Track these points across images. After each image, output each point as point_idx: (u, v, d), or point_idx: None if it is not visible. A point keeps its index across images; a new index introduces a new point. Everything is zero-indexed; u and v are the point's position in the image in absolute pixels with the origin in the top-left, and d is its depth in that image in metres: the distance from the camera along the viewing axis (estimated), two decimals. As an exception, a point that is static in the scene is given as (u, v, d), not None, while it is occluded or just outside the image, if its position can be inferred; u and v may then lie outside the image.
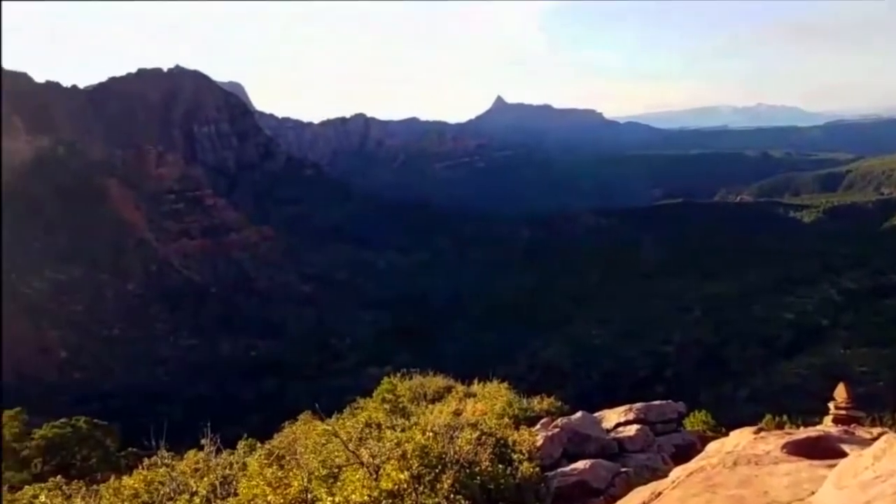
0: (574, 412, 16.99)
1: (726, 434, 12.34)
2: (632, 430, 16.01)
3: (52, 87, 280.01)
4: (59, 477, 15.14)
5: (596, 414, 17.09)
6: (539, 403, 18.07)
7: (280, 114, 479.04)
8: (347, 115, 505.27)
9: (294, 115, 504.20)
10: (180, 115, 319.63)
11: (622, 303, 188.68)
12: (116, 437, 29.56)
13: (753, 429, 11.23)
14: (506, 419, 15.47)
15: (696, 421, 22.16)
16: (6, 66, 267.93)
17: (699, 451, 11.91)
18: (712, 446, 10.94)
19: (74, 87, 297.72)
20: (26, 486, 14.07)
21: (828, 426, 15.63)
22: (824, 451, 9.30)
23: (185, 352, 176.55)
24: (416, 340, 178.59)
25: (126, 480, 10.92)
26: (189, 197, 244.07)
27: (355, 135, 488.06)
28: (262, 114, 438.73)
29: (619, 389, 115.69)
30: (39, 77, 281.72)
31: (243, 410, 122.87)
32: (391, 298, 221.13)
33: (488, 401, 17.54)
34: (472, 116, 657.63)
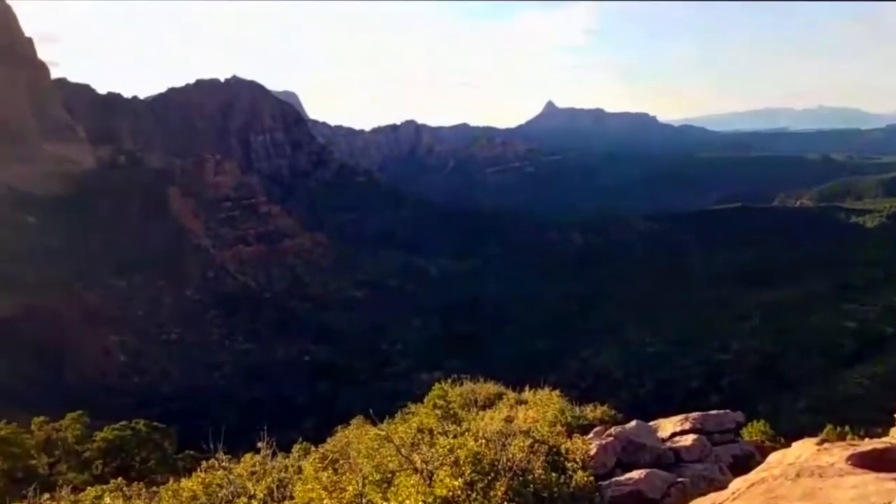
0: (627, 421, 16.67)
1: (786, 445, 11.92)
2: (688, 439, 15.61)
3: (114, 98, 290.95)
4: (119, 479, 15.61)
5: (650, 423, 16.73)
6: (592, 411, 17.80)
7: (333, 122, 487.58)
8: (398, 122, 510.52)
9: (346, 123, 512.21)
10: (237, 124, 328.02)
11: (676, 309, 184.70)
12: (174, 439, 30.26)
13: (816, 440, 10.81)
14: (558, 427, 15.27)
15: (753, 431, 21.49)
16: (71, 78, 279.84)
17: (758, 463, 11.53)
18: (773, 457, 10.58)
19: (135, 97, 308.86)
20: (89, 488, 14.56)
21: (894, 438, 14.98)
22: (891, 463, 8.91)
23: (240, 356, 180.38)
24: (466, 346, 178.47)
25: (184, 483, 11.19)
26: (245, 204, 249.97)
27: (406, 141, 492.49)
28: (315, 122, 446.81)
29: (673, 398, 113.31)
30: (102, 89, 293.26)
31: (297, 414, 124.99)
32: (442, 304, 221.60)
33: (540, 408, 17.37)
34: (523, 122, 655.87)
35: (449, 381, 20.75)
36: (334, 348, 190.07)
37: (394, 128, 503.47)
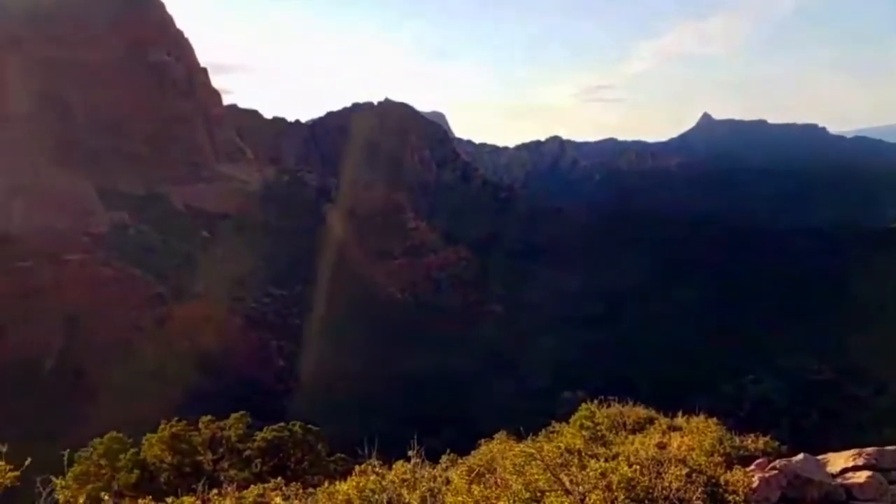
0: (793, 454, 15.33)
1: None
2: (861, 476, 14.10)
3: (279, 122, 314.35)
4: (279, 479, 16.51)
5: (819, 457, 15.30)
6: (753, 442, 16.54)
7: (478, 139, 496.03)
8: (542, 139, 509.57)
9: (491, 140, 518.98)
10: (387, 144, 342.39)
11: (850, 334, 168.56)
12: (326, 442, 31.50)
13: None
14: (716, 457, 14.31)
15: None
16: (241, 104, 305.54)
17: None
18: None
19: (298, 121, 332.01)
20: (252, 486, 15.54)
21: None
22: None
23: (383, 364, 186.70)
24: (609, 364, 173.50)
25: (340, 486, 11.59)
26: (393, 220, 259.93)
27: (550, 157, 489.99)
28: (460, 140, 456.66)
29: (843, 431, 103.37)
30: (268, 113, 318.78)
31: (436, 423, 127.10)
32: (585, 320, 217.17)
33: (695, 435, 16.37)
34: (675, 135, 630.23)
35: (595, 401, 20.14)
36: (475, 362, 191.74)
37: (538, 144, 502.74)
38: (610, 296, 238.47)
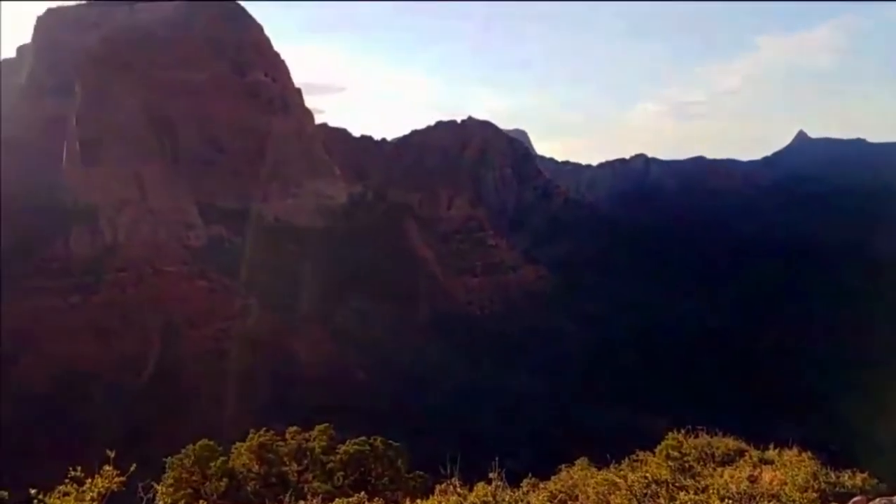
0: (894, 493, 14.40)
1: None
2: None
3: (366, 140, 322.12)
4: (362, 493, 16.81)
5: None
6: (850, 478, 15.62)
7: (560, 157, 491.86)
8: (627, 157, 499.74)
9: (574, 158, 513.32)
10: (469, 161, 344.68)
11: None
12: (406, 458, 31.68)
13: None
14: (810, 493, 13.63)
15: None
16: (331, 123, 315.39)
17: None
18: None
19: (384, 139, 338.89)
20: (336, 500, 15.88)
21: None
22: None
23: (462, 382, 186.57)
24: (692, 390, 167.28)
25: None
26: (474, 237, 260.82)
27: (635, 175, 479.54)
28: (542, 158, 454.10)
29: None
30: (356, 132, 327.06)
31: (514, 444, 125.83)
32: (668, 344, 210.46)
33: (788, 470, 15.62)
34: (768, 153, 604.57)
35: (681, 430, 19.50)
36: (551, 381, 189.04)
37: (622, 161, 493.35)
38: (695, 319, 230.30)
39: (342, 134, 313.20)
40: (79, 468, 11.08)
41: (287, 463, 27.65)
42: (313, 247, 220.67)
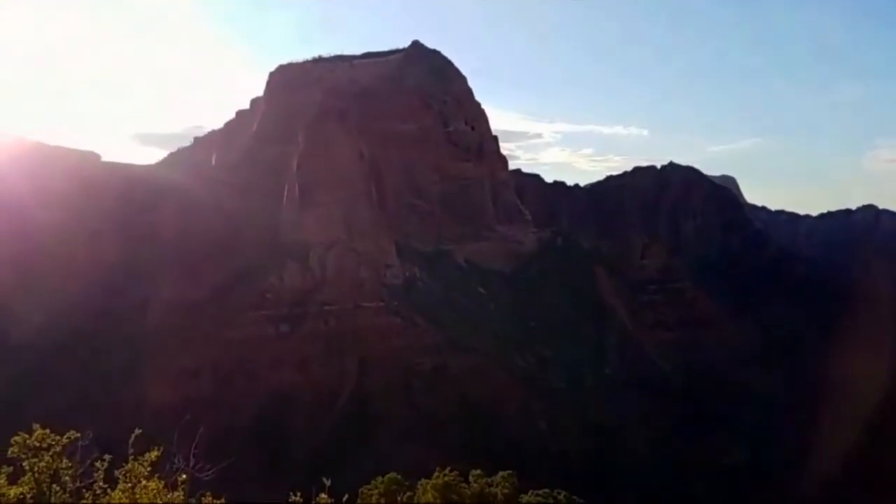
0: None
1: None
2: None
3: (558, 186, 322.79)
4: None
5: None
6: None
7: (774, 206, 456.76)
8: (853, 207, 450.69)
9: (790, 208, 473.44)
10: (667, 208, 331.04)
11: None
12: (588, 516, 30.41)
13: None
14: None
15: None
16: (525, 169, 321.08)
17: None
18: None
19: (577, 185, 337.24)
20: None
21: None
22: None
23: (652, 442, 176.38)
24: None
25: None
26: (669, 288, 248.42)
27: (861, 227, 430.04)
28: (753, 207, 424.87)
29: None
30: (549, 178, 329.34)
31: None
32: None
33: None
34: None
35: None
36: (753, 449, 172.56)
37: (846, 213, 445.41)
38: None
39: (534, 180, 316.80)
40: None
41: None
42: (500, 290, 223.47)
